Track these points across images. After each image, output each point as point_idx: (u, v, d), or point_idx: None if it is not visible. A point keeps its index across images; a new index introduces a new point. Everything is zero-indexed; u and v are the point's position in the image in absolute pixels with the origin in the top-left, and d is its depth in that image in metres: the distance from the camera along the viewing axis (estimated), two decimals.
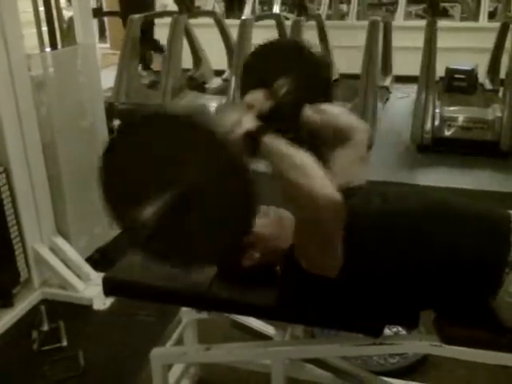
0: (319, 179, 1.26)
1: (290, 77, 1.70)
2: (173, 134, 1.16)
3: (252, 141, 1.33)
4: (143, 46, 6.42)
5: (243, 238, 1.25)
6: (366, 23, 5.22)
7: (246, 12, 7.71)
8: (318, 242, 1.33)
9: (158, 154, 1.19)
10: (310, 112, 1.63)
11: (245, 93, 1.66)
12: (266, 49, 1.86)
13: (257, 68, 1.79)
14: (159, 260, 1.31)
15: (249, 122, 1.37)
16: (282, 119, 1.55)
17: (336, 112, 1.66)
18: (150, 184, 1.19)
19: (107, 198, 1.27)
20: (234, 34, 5.85)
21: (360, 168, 1.65)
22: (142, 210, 1.12)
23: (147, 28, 6.41)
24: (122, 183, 1.25)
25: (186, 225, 1.22)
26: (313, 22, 6.01)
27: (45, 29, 2.74)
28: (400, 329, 1.80)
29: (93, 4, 8.23)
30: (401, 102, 6.26)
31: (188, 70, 6.58)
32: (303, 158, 1.30)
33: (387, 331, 1.53)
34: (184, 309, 1.94)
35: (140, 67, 6.52)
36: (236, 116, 1.39)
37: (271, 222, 1.54)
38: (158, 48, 6.67)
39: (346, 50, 6.16)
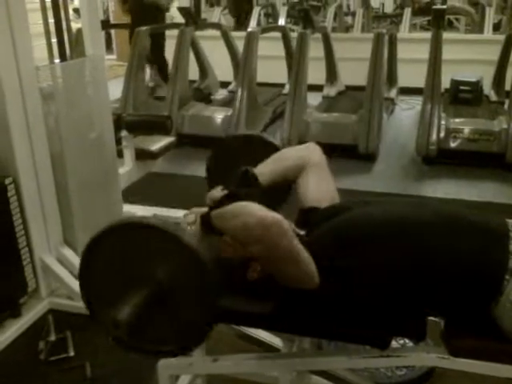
0: (255, 210, 1.35)
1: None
2: (143, 240, 1.31)
3: (207, 224, 1.48)
4: (154, 58, 6.50)
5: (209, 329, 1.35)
6: (371, 35, 5.25)
7: (252, 24, 7.76)
8: (281, 264, 1.38)
9: (131, 256, 1.33)
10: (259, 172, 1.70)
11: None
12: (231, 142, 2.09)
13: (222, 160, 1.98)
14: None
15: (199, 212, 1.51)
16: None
17: (277, 157, 1.76)
18: (125, 284, 1.33)
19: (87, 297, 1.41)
20: (240, 46, 5.88)
21: (332, 182, 1.74)
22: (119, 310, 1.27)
23: (157, 41, 6.48)
24: (102, 283, 1.39)
25: (159, 317, 1.35)
26: (318, 35, 6.03)
27: (54, 40, 2.76)
28: (407, 341, 1.80)
29: (100, 16, 8.32)
30: (406, 114, 6.28)
31: (194, 81, 6.62)
32: (236, 205, 1.42)
33: (394, 343, 1.53)
34: None
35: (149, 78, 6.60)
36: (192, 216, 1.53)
37: None
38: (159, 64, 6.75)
39: (352, 62, 6.18)
